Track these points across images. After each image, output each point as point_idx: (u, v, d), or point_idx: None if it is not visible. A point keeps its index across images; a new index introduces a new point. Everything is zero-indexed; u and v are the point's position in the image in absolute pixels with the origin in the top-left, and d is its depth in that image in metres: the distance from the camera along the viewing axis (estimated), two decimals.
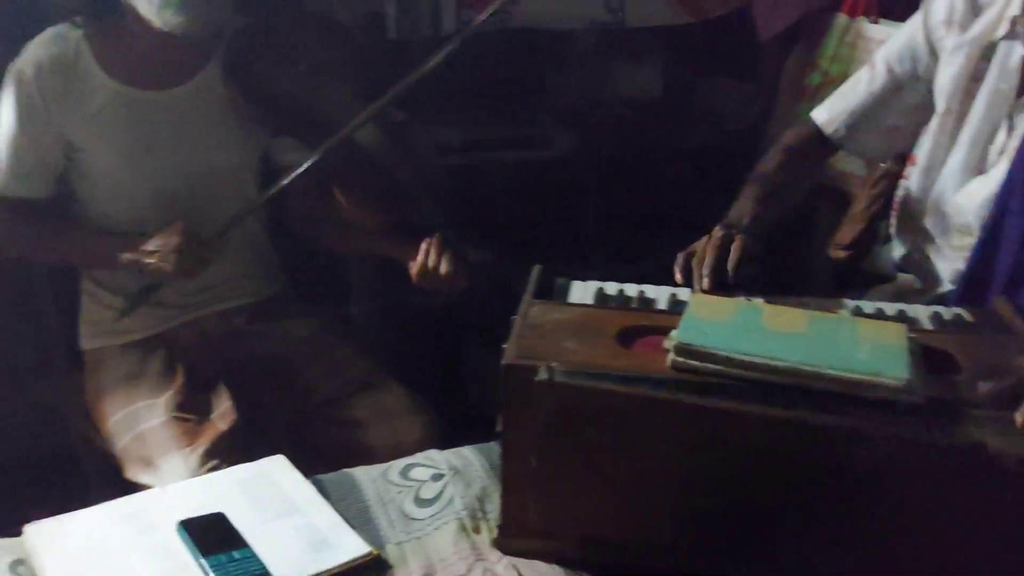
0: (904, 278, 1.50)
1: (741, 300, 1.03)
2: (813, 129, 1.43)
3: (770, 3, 2.12)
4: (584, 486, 0.90)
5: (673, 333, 0.90)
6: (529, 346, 0.92)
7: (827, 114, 1.42)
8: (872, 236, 1.76)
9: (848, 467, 0.81)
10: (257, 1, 1.52)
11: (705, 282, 1.18)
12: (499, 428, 0.92)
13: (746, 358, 0.85)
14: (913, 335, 0.93)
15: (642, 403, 0.84)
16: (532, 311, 1.01)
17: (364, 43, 1.86)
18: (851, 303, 1.11)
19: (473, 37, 1.42)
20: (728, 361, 0.85)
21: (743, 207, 1.33)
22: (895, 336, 0.90)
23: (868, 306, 1.10)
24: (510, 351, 0.91)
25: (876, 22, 1.97)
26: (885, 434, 0.79)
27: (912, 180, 1.46)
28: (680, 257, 1.23)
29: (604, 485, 0.89)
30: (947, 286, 1.35)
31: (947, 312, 1.09)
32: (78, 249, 1.53)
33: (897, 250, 1.50)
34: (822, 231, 1.98)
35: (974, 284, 1.26)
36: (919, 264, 1.45)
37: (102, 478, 1.66)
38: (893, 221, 1.59)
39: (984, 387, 0.85)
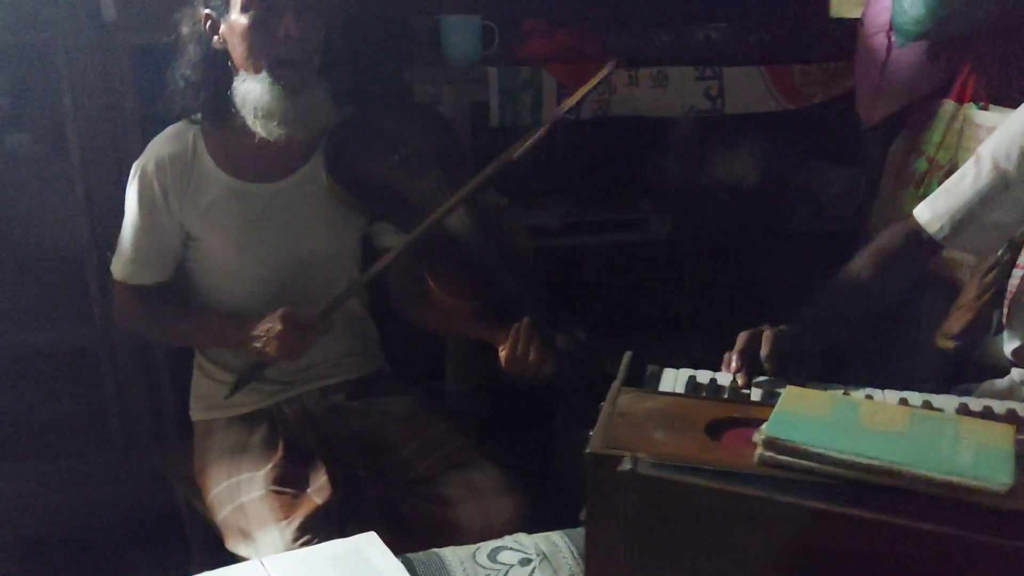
0: (1019, 372, 1.44)
1: (837, 394, 1.00)
2: (913, 228, 1.38)
3: (872, 90, 2.10)
4: None
5: (763, 427, 0.88)
6: (616, 435, 0.92)
7: (930, 212, 1.36)
8: (983, 327, 1.69)
9: (946, 574, 0.78)
10: (360, 93, 1.60)
11: (735, 367, 1.17)
12: (583, 517, 0.92)
13: (839, 455, 0.82)
14: (1022, 438, 0.88)
15: (729, 499, 0.82)
16: (621, 399, 1.01)
17: (465, 132, 1.92)
18: (956, 399, 1.07)
19: (572, 125, 1.45)
20: (819, 458, 0.83)
21: (817, 305, 1.31)
22: (1001, 438, 0.86)
23: (975, 404, 1.06)
24: (596, 440, 0.91)
25: (986, 108, 1.92)
26: (986, 542, 0.75)
27: None
28: (727, 355, 1.22)
29: None
30: None
31: None
32: (193, 331, 1.62)
33: (1010, 342, 1.44)
34: (929, 321, 1.92)
35: None
36: None
37: (204, 547, 1.72)
38: (1006, 311, 1.52)
39: None
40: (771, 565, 0.83)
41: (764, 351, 1.18)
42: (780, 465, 0.84)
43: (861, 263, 1.36)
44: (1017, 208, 1.33)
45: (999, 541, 0.76)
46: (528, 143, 1.44)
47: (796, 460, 0.84)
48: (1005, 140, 1.31)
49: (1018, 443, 0.86)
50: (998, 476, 0.79)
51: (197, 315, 1.62)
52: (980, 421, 0.94)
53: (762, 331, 1.21)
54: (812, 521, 0.80)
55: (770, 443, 0.85)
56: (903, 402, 1.06)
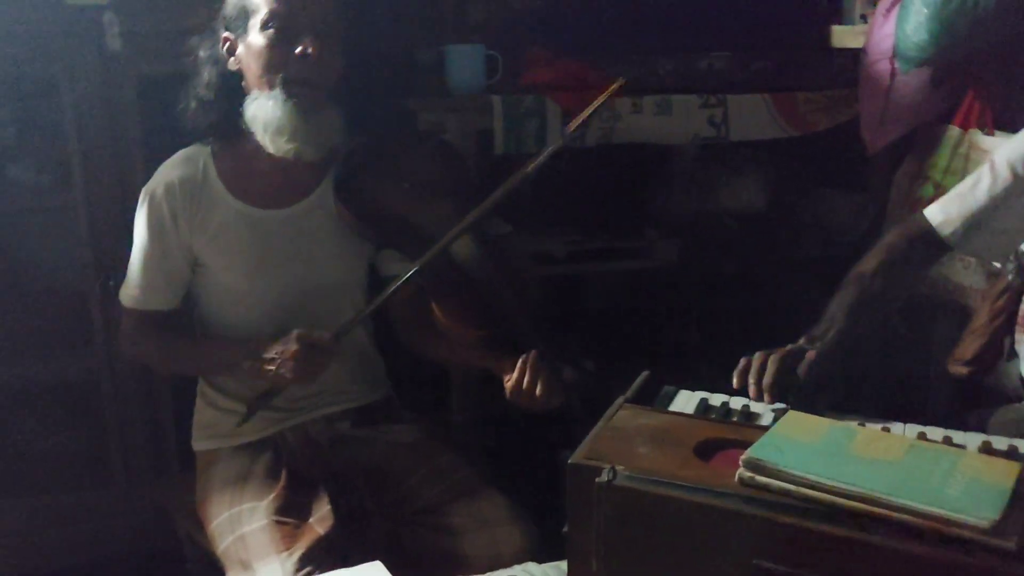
0: None
1: (836, 422, 0.97)
2: (924, 229, 1.37)
3: (877, 117, 2.10)
4: None
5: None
6: (601, 448, 0.91)
7: (943, 215, 1.36)
8: (997, 351, 1.67)
9: None
10: (369, 121, 1.60)
11: (752, 390, 1.13)
12: (565, 529, 0.90)
13: (816, 480, 0.81)
14: None
15: (701, 511, 0.81)
16: (619, 414, 1.00)
17: (472, 160, 1.92)
18: (980, 437, 1.03)
19: (577, 152, 1.45)
20: (797, 480, 0.81)
21: (833, 317, 1.28)
22: (1003, 474, 0.83)
23: (1000, 442, 1.02)
24: (580, 451, 0.91)
25: (991, 134, 1.92)
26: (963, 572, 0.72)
27: None
28: (742, 361, 1.19)
29: None
30: None
31: None
32: (203, 357, 1.61)
33: (1021, 368, 1.42)
34: (941, 347, 1.89)
35: None
36: None
37: None
38: (1020, 336, 1.50)
39: None
40: None
41: (767, 378, 1.15)
42: (757, 486, 0.83)
43: (871, 263, 1.35)
44: None
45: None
46: (538, 161, 1.43)
47: (774, 482, 0.82)
48: (1020, 147, 1.31)
49: (1023, 481, 0.82)
50: (983, 511, 0.76)
51: (207, 341, 1.61)
52: (985, 457, 0.91)
53: (801, 353, 1.18)
54: (786, 538, 0.78)
55: (751, 463, 0.84)
56: (922, 436, 1.03)
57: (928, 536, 0.76)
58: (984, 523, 0.75)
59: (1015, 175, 1.31)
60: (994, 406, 1.47)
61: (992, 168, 1.34)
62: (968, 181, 1.37)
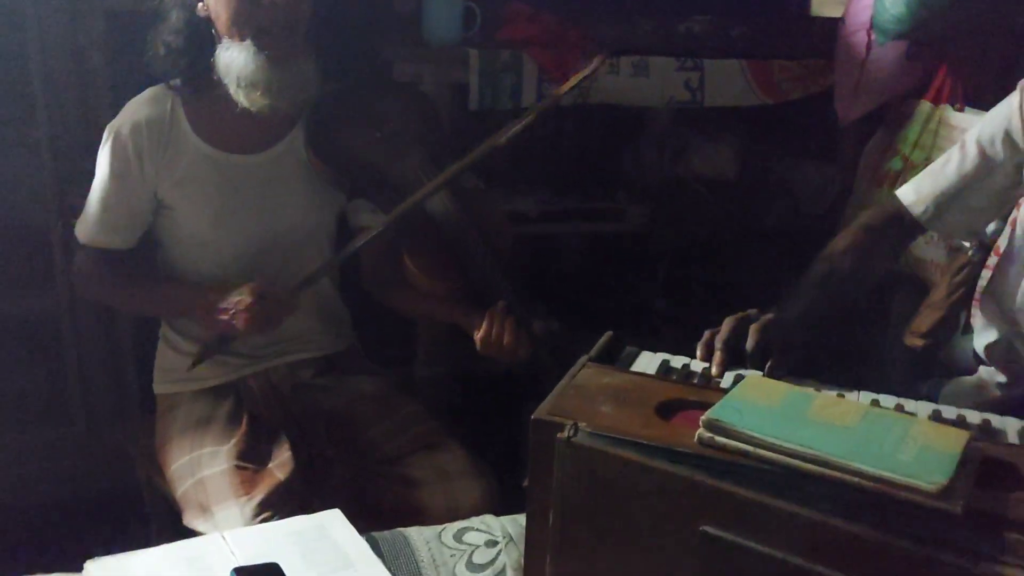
0: (985, 371, 1.45)
1: (794, 387, 0.98)
2: (897, 209, 1.39)
3: (851, 88, 2.11)
4: (595, 551, 0.88)
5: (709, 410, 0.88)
6: (564, 405, 0.92)
7: (915, 194, 1.37)
8: (952, 325, 1.71)
9: (863, 573, 0.76)
10: (343, 69, 1.58)
11: (717, 357, 1.14)
12: (525, 484, 0.92)
13: (774, 441, 0.82)
14: (979, 444, 0.87)
15: (657, 476, 0.82)
16: (582, 373, 1.01)
17: (445, 113, 1.91)
18: (931, 406, 1.06)
19: (552, 111, 1.45)
20: (754, 442, 0.83)
21: (801, 290, 1.29)
22: (952, 441, 0.85)
23: (949, 411, 1.05)
24: (543, 407, 0.91)
25: (961, 110, 1.94)
26: (908, 545, 0.74)
27: (997, 269, 1.42)
28: (706, 334, 1.19)
29: (615, 554, 0.87)
30: None
31: None
32: (157, 299, 1.59)
33: (978, 341, 1.45)
34: (899, 319, 1.93)
35: None
36: (1003, 357, 1.39)
37: (164, 523, 1.69)
38: (975, 311, 1.54)
39: None
40: (691, 547, 0.82)
41: (750, 343, 1.16)
42: (716, 446, 0.84)
43: (843, 243, 1.35)
44: (996, 195, 1.35)
45: (923, 546, 0.74)
46: (516, 128, 1.43)
47: (732, 443, 0.84)
48: (991, 127, 1.33)
49: (970, 448, 0.84)
50: (932, 476, 0.78)
51: (163, 283, 1.59)
52: (936, 424, 0.93)
53: (749, 318, 1.19)
54: (735, 508, 0.79)
55: (710, 424, 0.85)
56: (875, 403, 1.05)
57: (875, 504, 0.78)
58: (933, 487, 0.77)
59: (984, 154, 1.33)
60: (947, 378, 1.51)
61: (962, 147, 1.35)
62: (939, 161, 1.38)
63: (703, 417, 0.86)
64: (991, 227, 1.58)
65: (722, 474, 0.81)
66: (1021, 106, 1.29)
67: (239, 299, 1.41)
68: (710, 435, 0.85)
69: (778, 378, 1.05)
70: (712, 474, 0.81)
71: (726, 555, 0.80)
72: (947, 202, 1.35)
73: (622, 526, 0.85)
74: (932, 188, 1.36)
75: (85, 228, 1.55)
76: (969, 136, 1.35)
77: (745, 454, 0.83)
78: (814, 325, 1.27)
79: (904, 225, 1.39)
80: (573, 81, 1.46)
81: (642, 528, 0.84)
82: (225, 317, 1.43)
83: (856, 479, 0.79)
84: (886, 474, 0.79)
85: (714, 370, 1.13)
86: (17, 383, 2.09)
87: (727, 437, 0.84)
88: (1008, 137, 1.31)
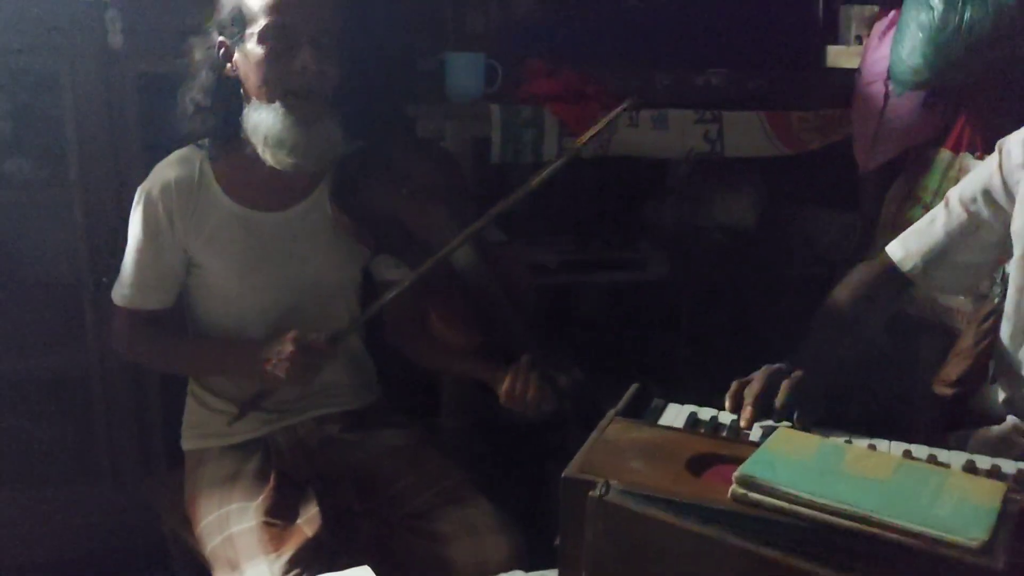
0: (1013, 420, 1.43)
1: (826, 440, 0.98)
2: (887, 264, 1.42)
3: (869, 138, 2.13)
4: None
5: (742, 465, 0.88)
6: (594, 461, 0.92)
7: (903, 251, 1.41)
8: (980, 374, 1.69)
9: None
10: (367, 127, 1.61)
11: (747, 412, 1.14)
12: (557, 542, 0.91)
13: (811, 498, 0.81)
14: (1017, 496, 0.86)
15: (691, 537, 0.81)
16: (611, 428, 1.01)
17: (469, 167, 1.93)
18: (964, 456, 1.05)
19: (572, 163, 1.46)
20: (791, 498, 0.82)
21: (810, 344, 1.32)
22: (989, 494, 0.84)
23: (983, 461, 1.04)
24: (574, 464, 0.91)
25: (981, 158, 1.94)
26: None
27: (1002, 325, 1.42)
28: (734, 385, 1.20)
29: None
30: None
31: None
32: (197, 357, 1.61)
33: (1000, 393, 1.44)
34: (927, 367, 1.92)
35: None
36: (1021, 409, 1.38)
37: None
38: (994, 360, 1.53)
39: None
40: None
41: (781, 400, 1.16)
42: (751, 503, 0.83)
43: (840, 298, 1.40)
44: (986, 251, 1.38)
45: None
46: (542, 176, 1.44)
47: (767, 499, 0.83)
48: (971, 186, 1.36)
49: (1009, 501, 0.84)
50: (972, 531, 0.77)
51: (201, 341, 1.61)
52: (971, 477, 0.93)
53: (781, 372, 1.20)
54: (771, 570, 0.78)
55: (744, 480, 0.85)
56: (907, 454, 1.05)
57: (914, 561, 0.77)
58: (974, 543, 0.76)
59: (968, 212, 1.35)
60: (975, 427, 1.49)
61: (947, 205, 1.39)
62: (926, 218, 1.42)
63: (736, 473, 0.85)
64: None
65: (756, 532, 0.80)
66: (1000, 166, 1.32)
67: (280, 348, 1.42)
68: (744, 491, 0.84)
69: (807, 429, 1.05)
70: (747, 533, 0.80)
71: None
72: (935, 259, 1.39)
73: None
74: (919, 245, 1.40)
75: (121, 291, 1.57)
76: (952, 194, 1.39)
77: (780, 511, 0.82)
78: (830, 376, 1.27)
79: (894, 280, 1.43)
80: (598, 126, 1.48)
81: None
82: (268, 368, 1.43)
83: (895, 536, 0.78)
84: (925, 530, 0.78)
85: (743, 423, 1.14)
86: (46, 440, 2.11)
87: (761, 493, 0.83)
88: (989, 195, 1.33)
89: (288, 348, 1.41)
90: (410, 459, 1.58)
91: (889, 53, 2.00)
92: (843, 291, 1.41)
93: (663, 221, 2.35)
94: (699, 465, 0.93)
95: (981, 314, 1.72)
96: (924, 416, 1.88)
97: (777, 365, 1.22)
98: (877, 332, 1.44)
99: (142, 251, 1.54)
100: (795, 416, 1.15)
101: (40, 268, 2.01)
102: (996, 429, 1.43)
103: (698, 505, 0.83)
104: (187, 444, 1.64)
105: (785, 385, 1.17)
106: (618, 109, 1.45)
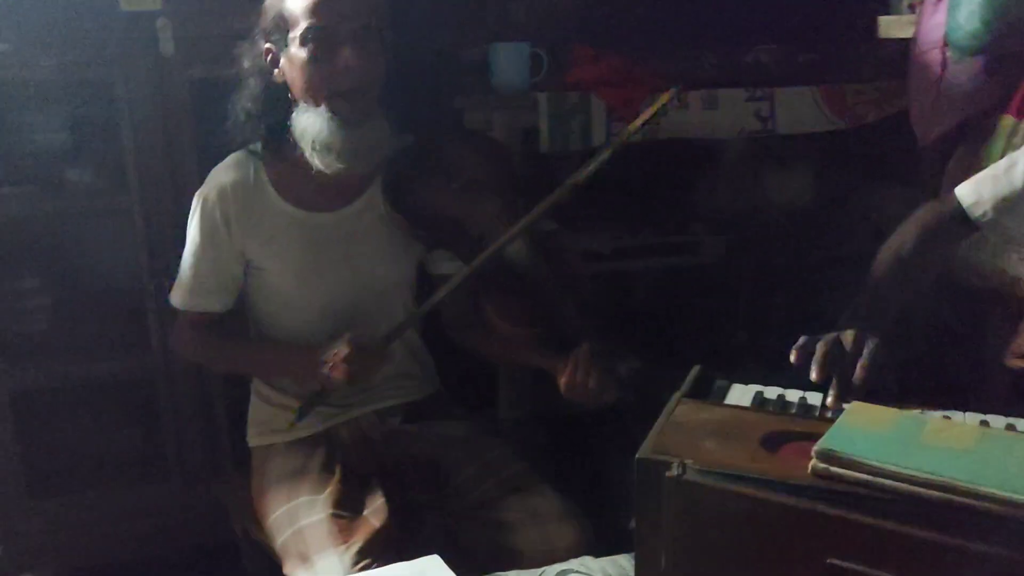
0: None
1: (904, 412, 0.96)
2: (955, 208, 1.33)
3: (929, 108, 2.06)
4: None
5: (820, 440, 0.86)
6: (667, 442, 0.91)
7: (974, 196, 1.32)
8: None
9: None
10: (416, 123, 1.61)
11: (831, 398, 1.11)
12: (632, 525, 0.90)
13: (895, 469, 0.79)
14: None
15: (775, 509, 0.79)
16: (679, 409, 0.99)
17: (518, 157, 1.93)
18: None
19: (623, 148, 1.45)
20: (875, 471, 0.80)
21: (868, 295, 1.27)
22: None
23: None
24: (646, 446, 0.90)
25: None
26: None
27: None
28: (803, 339, 1.17)
29: None
30: None
31: None
32: (256, 359, 1.64)
33: None
34: (997, 340, 1.86)
35: None
36: None
37: (260, 574, 1.71)
38: None
39: None
40: None
41: (859, 377, 1.14)
42: (833, 477, 0.82)
43: (899, 242, 1.33)
44: None
45: None
46: (592, 166, 1.43)
47: (850, 472, 0.81)
48: None
49: None
50: None
51: (260, 344, 1.64)
52: None
53: (863, 341, 1.17)
54: (863, 537, 0.76)
55: (824, 455, 0.83)
56: (984, 424, 1.02)
57: (1006, 528, 0.75)
58: None
59: None
60: None
61: None
62: (1003, 163, 1.33)
63: (816, 447, 0.84)
64: None
65: (844, 503, 0.78)
66: None
67: (336, 351, 1.43)
68: (825, 466, 0.82)
69: (879, 402, 1.02)
70: (834, 504, 0.78)
71: None
72: (1009, 207, 1.31)
73: (741, 563, 0.83)
74: (993, 192, 1.31)
75: (180, 294, 1.60)
76: None
77: (865, 484, 0.80)
78: (895, 335, 1.24)
79: (961, 225, 1.33)
80: (647, 114, 1.46)
81: (763, 564, 0.82)
82: (324, 371, 1.45)
83: (985, 504, 0.76)
84: (1017, 496, 0.75)
85: (830, 403, 1.11)
86: (115, 444, 2.16)
87: (843, 467, 0.81)
88: None
89: (344, 350, 1.42)
90: (472, 449, 1.58)
91: (945, 19, 1.95)
92: (903, 234, 1.34)
93: (717, 203, 2.32)
94: (773, 442, 0.91)
95: None
96: (997, 390, 1.82)
97: (850, 332, 1.19)
98: (932, 281, 1.36)
99: (200, 255, 1.56)
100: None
101: (103, 275, 2.06)
102: None
103: (779, 481, 0.81)
104: (253, 441, 1.66)
105: (866, 359, 1.14)
106: (664, 98, 1.43)
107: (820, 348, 1.15)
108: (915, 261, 1.31)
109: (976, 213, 1.32)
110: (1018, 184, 1.30)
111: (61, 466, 2.09)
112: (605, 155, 1.43)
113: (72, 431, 2.10)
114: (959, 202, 1.34)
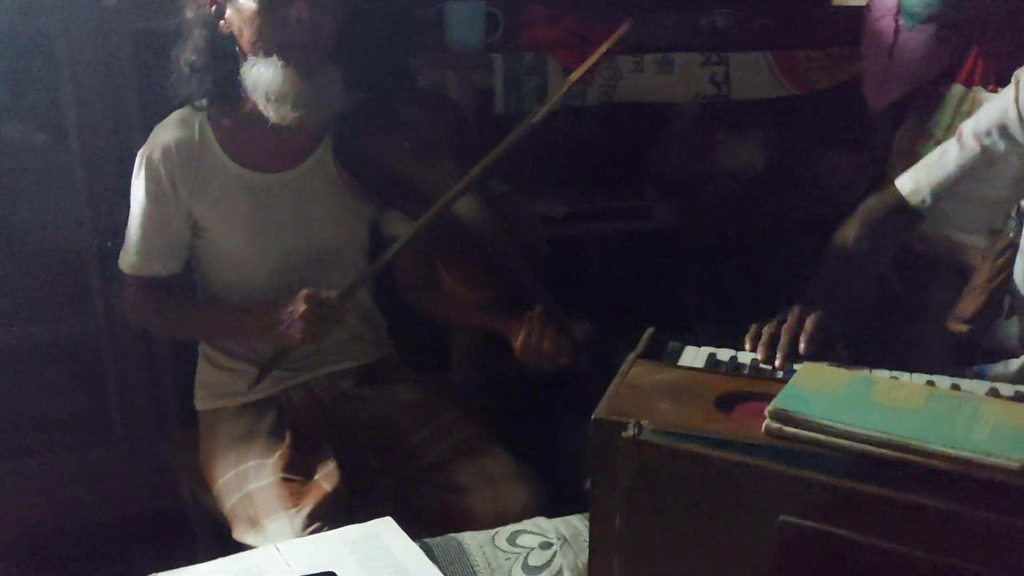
0: None
1: (854, 372, 0.98)
2: (896, 198, 1.39)
3: (880, 75, 2.09)
4: (667, 551, 0.86)
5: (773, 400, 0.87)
6: (622, 404, 0.91)
7: (912, 184, 1.38)
8: (995, 309, 1.68)
9: (952, 553, 0.74)
10: (368, 80, 1.58)
11: (779, 360, 1.13)
12: (587, 486, 0.91)
13: (847, 428, 0.81)
14: None
15: (730, 468, 0.80)
16: (633, 371, 0.99)
17: (473, 118, 1.90)
18: (987, 384, 1.05)
19: (577, 112, 1.44)
20: (827, 430, 0.81)
21: (821, 282, 1.30)
22: (1022, 418, 0.84)
23: (1007, 389, 1.03)
24: (602, 407, 0.90)
25: (995, 91, 1.91)
26: (992, 520, 0.72)
27: (1017, 260, 1.40)
28: (753, 328, 1.19)
29: (687, 551, 0.85)
30: None
31: None
32: (209, 322, 1.60)
33: (1015, 327, 1.43)
34: (940, 305, 1.90)
35: None
36: None
37: (210, 539, 1.70)
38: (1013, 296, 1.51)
39: None
40: (769, 541, 0.80)
41: (805, 345, 1.14)
42: (786, 437, 0.83)
43: (848, 233, 1.37)
44: (1003, 185, 1.34)
45: (1010, 519, 0.72)
46: (544, 109, 1.42)
47: (803, 432, 0.82)
48: (987, 119, 1.32)
49: None
50: (1013, 453, 0.77)
51: (213, 306, 1.60)
52: (1003, 402, 0.92)
53: (806, 314, 1.18)
54: (815, 494, 0.78)
55: (777, 414, 0.84)
56: (930, 384, 1.04)
57: (956, 485, 0.77)
58: (1015, 464, 0.76)
59: (982, 146, 1.32)
60: (990, 362, 1.48)
61: (959, 138, 1.35)
62: (936, 151, 1.39)
63: (769, 407, 0.85)
64: None
65: (798, 461, 0.80)
66: (1017, 99, 1.28)
67: (293, 308, 1.41)
68: (778, 425, 0.83)
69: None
70: (788, 463, 0.79)
71: (809, 544, 0.78)
72: (945, 193, 1.35)
73: (696, 523, 0.83)
74: (929, 179, 1.37)
75: (128, 258, 1.56)
76: (965, 127, 1.35)
77: (817, 443, 0.82)
78: (845, 316, 1.26)
79: (904, 214, 1.39)
80: (597, 53, 1.45)
81: (718, 523, 0.83)
82: (282, 329, 1.42)
83: (935, 461, 0.78)
84: (965, 454, 0.77)
85: (778, 364, 1.12)
86: (58, 406, 2.11)
87: (796, 427, 0.83)
88: (1004, 129, 1.30)
89: (301, 307, 1.40)
90: (424, 412, 1.57)
91: None
92: (852, 226, 1.38)
93: (669, 168, 2.32)
94: (727, 403, 0.92)
95: (996, 249, 1.70)
96: (939, 353, 1.87)
97: (795, 308, 1.20)
98: (885, 269, 1.41)
99: (147, 217, 1.52)
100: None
101: (43, 234, 2.00)
102: (1015, 362, 1.43)
103: (733, 441, 0.82)
104: (200, 404, 1.64)
105: (808, 331, 1.16)
106: (616, 34, 1.42)
107: (766, 331, 1.17)
108: (863, 253, 1.35)
109: (915, 200, 1.37)
110: (951, 169, 1.35)
111: (3, 431, 2.04)
112: (560, 92, 1.42)
113: (15, 394, 2.04)
114: (898, 191, 1.38)
